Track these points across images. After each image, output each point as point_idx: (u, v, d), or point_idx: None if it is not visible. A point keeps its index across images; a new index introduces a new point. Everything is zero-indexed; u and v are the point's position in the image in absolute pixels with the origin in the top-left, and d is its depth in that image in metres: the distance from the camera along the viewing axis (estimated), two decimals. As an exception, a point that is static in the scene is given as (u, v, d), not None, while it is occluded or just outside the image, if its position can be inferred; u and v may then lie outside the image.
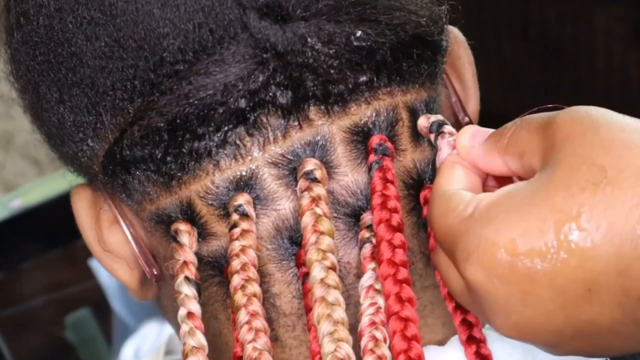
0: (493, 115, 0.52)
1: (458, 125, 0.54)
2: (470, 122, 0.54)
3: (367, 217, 0.47)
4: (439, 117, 0.48)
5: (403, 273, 0.45)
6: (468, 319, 0.47)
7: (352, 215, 0.48)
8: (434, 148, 0.48)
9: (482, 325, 0.47)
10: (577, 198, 0.37)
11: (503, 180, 0.45)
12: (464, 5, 0.53)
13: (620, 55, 2.11)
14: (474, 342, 0.47)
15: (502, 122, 0.48)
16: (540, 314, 0.39)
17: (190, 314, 0.46)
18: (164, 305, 0.57)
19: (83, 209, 0.53)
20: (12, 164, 1.98)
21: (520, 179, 0.43)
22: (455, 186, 0.44)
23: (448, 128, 0.48)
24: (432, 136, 0.48)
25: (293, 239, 0.48)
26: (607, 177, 0.37)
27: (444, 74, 0.53)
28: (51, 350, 1.80)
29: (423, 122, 0.48)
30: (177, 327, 0.48)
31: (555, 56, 2.21)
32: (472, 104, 0.56)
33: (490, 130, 0.45)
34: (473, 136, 0.45)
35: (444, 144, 0.47)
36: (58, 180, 1.86)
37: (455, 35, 0.55)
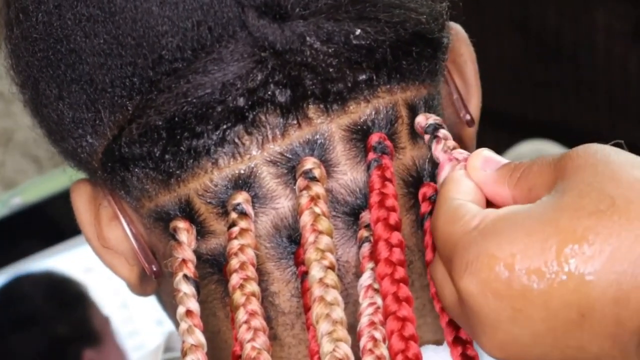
0: (493, 114, 0.52)
1: (460, 123, 0.54)
2: (472, 120, 0.54)
3: (366, 216, 0.47)
4: (438, 119, 0.48)
5: (400, 272, 0.44)
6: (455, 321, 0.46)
7: (351, 214, 0.48)
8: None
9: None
10: (582, 221, 0.37)
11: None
12: (463, 3, 0.53)
13: (620, 54, 2.12)
14: (460, 344, 0.46)
15: (502, 120, 0.48)
16: (528, 335, 0.39)
17: (188, 312, 0.46)
18: (164, 302, 0.57)
19: (82, 204, 0.53)
20: (12, 161, 1.98)
21: None
22: (463, 197, 0.44)
23: (443, 132, 0.48)
24: (426, 137, 0.48)
25: (292, 238, 0.47)
26: (615, 206, 0.37)
27: (446, 71, 0.53)
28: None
29: (421, 120, 0.48)
30: (177, 323, 0.48)
31: (555, 54, 2.21)
32: (474, 101, 0.55)
33: (504, 160, 0.45)
34: (486, 161, 0.45)
35: (439, 151, 0.47)
36: (58, 178, 1.86)
37: (456, 32, 0.55)
